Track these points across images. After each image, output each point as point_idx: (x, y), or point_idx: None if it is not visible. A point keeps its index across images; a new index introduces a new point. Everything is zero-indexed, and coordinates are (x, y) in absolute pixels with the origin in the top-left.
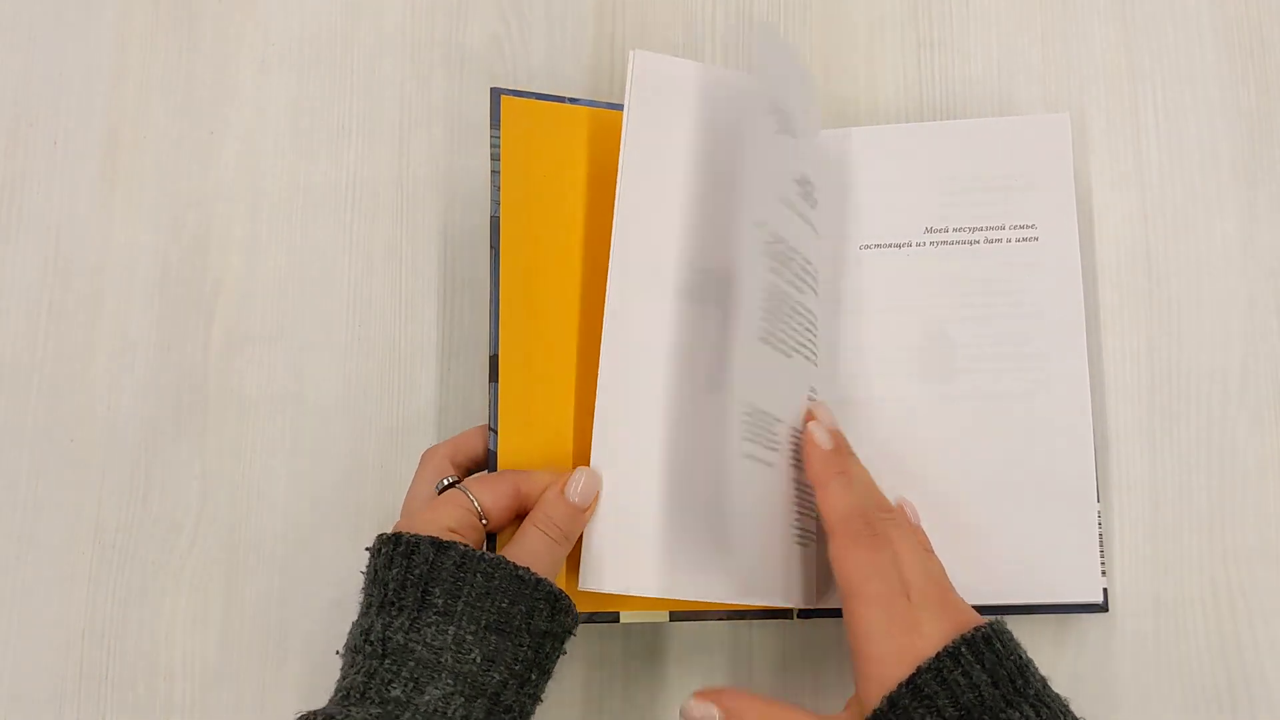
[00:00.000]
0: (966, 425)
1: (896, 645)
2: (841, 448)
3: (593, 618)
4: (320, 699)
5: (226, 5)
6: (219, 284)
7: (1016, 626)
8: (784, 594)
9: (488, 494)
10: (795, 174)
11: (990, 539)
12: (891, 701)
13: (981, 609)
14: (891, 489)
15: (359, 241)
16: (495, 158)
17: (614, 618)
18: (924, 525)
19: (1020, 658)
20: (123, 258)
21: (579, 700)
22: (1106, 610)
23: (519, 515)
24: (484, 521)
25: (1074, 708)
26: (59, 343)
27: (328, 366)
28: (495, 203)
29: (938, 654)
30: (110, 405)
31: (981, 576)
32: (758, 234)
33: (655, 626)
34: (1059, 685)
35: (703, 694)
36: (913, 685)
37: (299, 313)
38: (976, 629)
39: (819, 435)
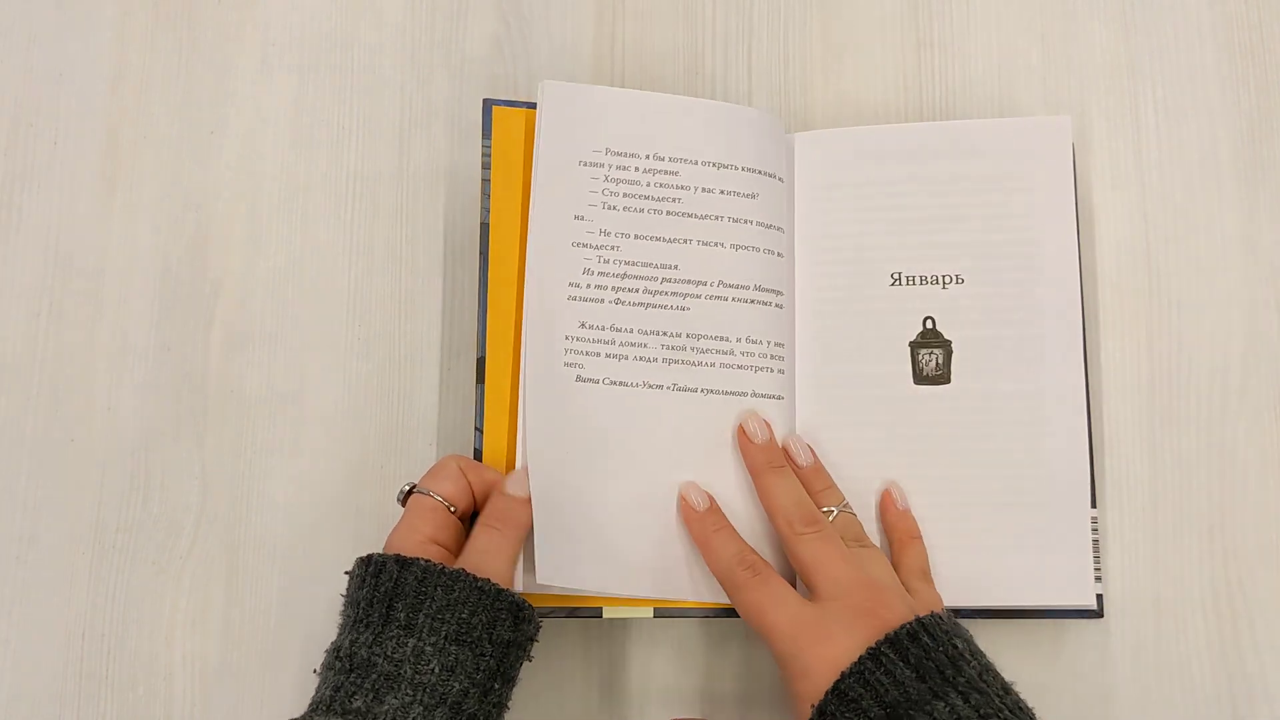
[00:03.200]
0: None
1: (818, 654)
2: (775, 446)
3: (575, 613)
4: None
5: (226, 5)
6: (219, 284)
7: (1015, 629)
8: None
9: (447, 483)
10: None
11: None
12: (820, 710)
13: (973, 611)
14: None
15: (359, 241)
16: (486, 166)
17: (597, 613)
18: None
19: (954, 647)
20: (123, 258)
21: (579, 701)
22: (1101, 616)
23: (475, 497)
24: (452, 509)
25: (1072, 709)
26: (59, 343)
27: (328, 366)
28: (485, 210)
29: (860, 657)
30: (110, 405)
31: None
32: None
33: (649, 626)
34: (1057, 686)
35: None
36: (837, 691)
37: (299, 313)
38: (901, 626)
39: (750, 426)
